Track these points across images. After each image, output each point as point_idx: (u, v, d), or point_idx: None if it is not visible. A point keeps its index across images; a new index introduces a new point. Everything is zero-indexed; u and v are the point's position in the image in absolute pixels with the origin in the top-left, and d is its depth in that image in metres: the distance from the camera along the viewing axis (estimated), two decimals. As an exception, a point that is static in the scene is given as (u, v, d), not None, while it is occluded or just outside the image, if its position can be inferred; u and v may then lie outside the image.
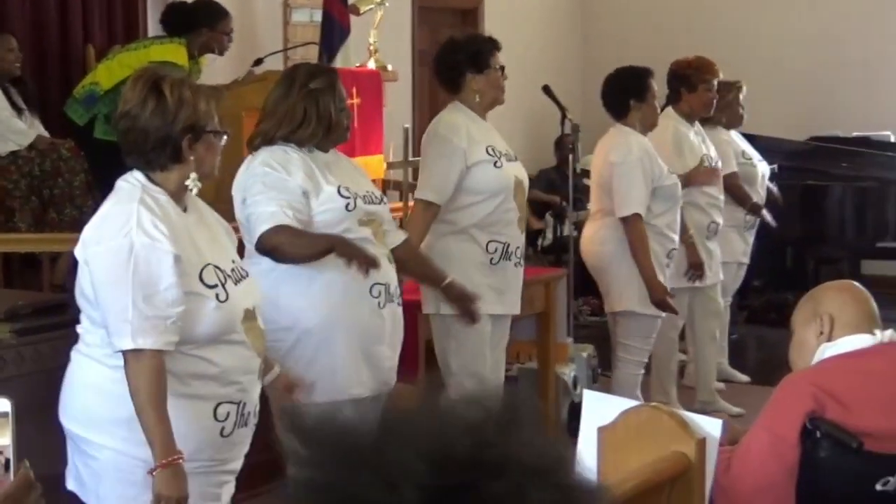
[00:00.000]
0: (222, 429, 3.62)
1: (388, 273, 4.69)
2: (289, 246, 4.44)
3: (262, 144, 4.60)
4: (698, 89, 7.18)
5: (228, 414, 3.63)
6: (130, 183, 3.61)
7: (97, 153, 6.73)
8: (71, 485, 3.72)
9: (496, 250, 5.49)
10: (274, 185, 4.48)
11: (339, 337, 4.58)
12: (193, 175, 3.62)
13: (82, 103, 7.24)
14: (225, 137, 3.70)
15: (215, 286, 3.57)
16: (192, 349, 3.56)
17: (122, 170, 3.67)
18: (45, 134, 7.05)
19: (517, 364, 6.91)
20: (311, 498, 1.32)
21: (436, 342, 5.60)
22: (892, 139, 10.86)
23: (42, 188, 6.83)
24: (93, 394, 3.63)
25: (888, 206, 10.14)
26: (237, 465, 3.79)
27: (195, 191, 3.64)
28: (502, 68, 5.58)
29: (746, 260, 7.92)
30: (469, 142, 5.43)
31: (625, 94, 6.49)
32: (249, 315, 3.68)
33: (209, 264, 3.58)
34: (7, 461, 2.36)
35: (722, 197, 7.27)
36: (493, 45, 5.63)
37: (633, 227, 6.33)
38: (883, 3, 11.40)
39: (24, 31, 7.43)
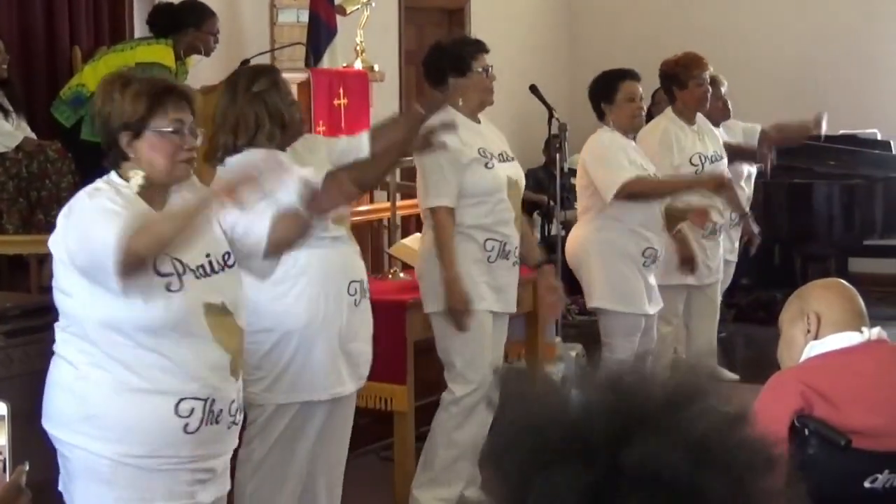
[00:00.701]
0: (186, 425, 3.57)
1: (361, 269, 4.80)
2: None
3: (225, 156, 4.56)
4: (689, 85, 7.22)
5: (192, 410, 3.57)
6: (102, 179, 3.64)
7: (84, 154, 6.71)
8: (60, 486, 3.73)
9: (493, 248, 5.54)
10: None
11: (320, 337, 4.60)
12: (136, 171, 3.58)
13: (69, 105, 7.23)
14: (193, 138, 3.63)
15: (169, 275, 3.53)
16: (145, 339, 3.52)
17: (109, 171, 3.67)
18: (32, 135, 7.03)
19: (506, 363, 6.91)
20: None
21: (438, 340, 5.63)
22: (879, 137, 10.88)
23: (29, 190, 6.82)
24: (62, 392, 3.63)
25: (875, 203, 10.15)
26: (216, 464, 3.74)
27: (135, 188, 3.57)
28: (487, 70, 5.57)
29: (733, 258, 7.94)
30: (460, 143, 5.44)
31: (596, 98, 6.58)
32: (216, 310, 3.62)
33: (166, 255, 3.53)
34: (3, 462, 2.35)
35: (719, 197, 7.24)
36: (476, 47, 5.64)
37: (634, 191, 6.35)
38: (870, 1, 11.41)
39: (11, 32, 7.42)
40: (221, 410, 3.65)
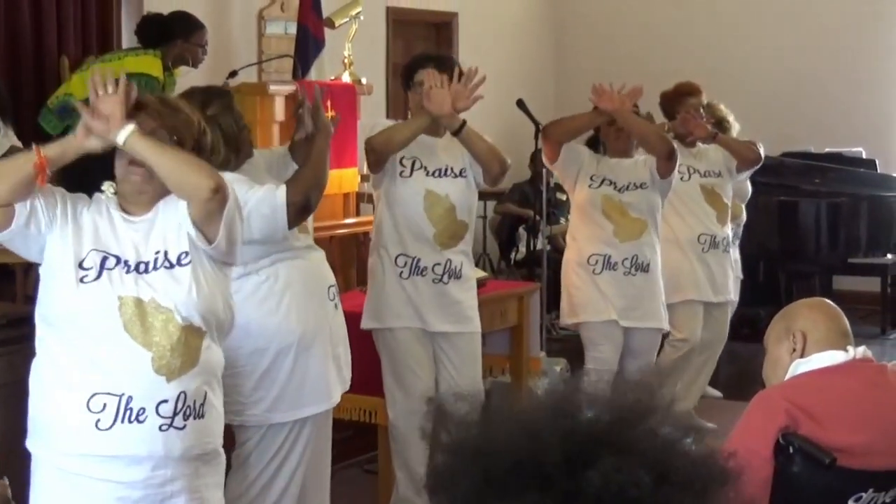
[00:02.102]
0: (97, 421, 3.44)
1: (332, 274, 4.82)
2: (313, 180, 4.53)
3: None
4: (676, 117, 7.28)
5: (105, 406, 3.44)
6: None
7: (70, 164, 6.68)
8: None
9: (405, 264, 5.45)
10: (249, 185, 4.42)
11: (315, 347, 4.60)
12: (110, 184, 3.61)
13: (56, 113, 7.22)
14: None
15: (89, 269, 3.50)
16: (54, 333, 3.50)
17: (95, 180, 3.66)
18: (19, 144, 7.01)
19: (490, 378, 6.90)
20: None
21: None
22: (864, 155, 10.92)
23: (15, 199, 6.80)
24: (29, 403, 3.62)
25: (860, 222, 10.19)
26: (134, 476, 3.51)
27: (109, 194, 3.61)
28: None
29: (740, 274, 8.00)
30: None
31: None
32: (141, 305, 3.49)
33: (96, 250, 3.52)
34: None
35: (714, 211, 7.28)
36: (421, 62, 5.61)
37: (548, 130, 6.53)
38: (855, 19, 11.46)
39: (-2, 41, 7.42)
40: (143, 409, 3.46)
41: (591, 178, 6.46)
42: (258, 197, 4.37)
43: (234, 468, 4.60)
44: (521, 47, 12.17)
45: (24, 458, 3.60)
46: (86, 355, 3.48)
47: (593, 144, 7.00)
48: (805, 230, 10.17)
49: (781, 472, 3.27)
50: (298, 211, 4.43)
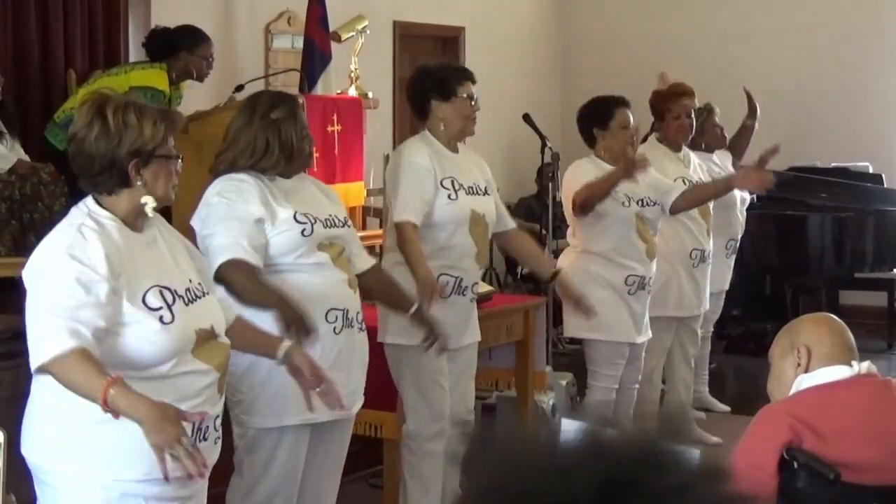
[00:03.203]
0: None
1: (346, 298, 4.66)
2: (239, 288, 4.38)
3: (225, 172, 4.60)
4: (665, 118, 7.23)
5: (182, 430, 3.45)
6: (79, 208, 3.59)
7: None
8: None
9: (448, 283, 5.40)
10: (228, 215, 4.45)
11: None
12: (148, 198, 3.56)
13: (63, 128, 7.21)
14: (180, 162, 3.64)
15: (159, 308, 3.51)
16: (138, 376, 3.46)
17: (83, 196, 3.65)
18: (26, 158, 7.03)
19: (496, 392, 6.90)
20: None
21: (392, 371, 5.55)
22: (871, 170, 10.92)
23: (22, 212, 6.81)
24: (44, 419, 3.57)
25: (866, 236, 10.18)
26: (188, 490, 3.62)
27: (151, 213, 3.58)
28: (472, 98, 5.46)
29: (725, 286, 7.95)
30: (432, 169, 5.41)
31: (588, 123, 6.52)
32: (206, 334, 3.62)
33: (154, 286, 3.52)
34: None
35: (705, 223, 7.22)
36: (462, 74, 5.56)
37: (581, 199, 6.32)
38: (861, 34, 11.46)
39: (6, 54, 7.43)
40: (208, 427, 3.62)
41: (625, 196, 6.39)
42: (213, 244, 4.44)
43: (235, 472, 4.66)
44: (528, 62, 12.18)
45: (27, 475, 3.58)
46: (163, 385, 3.50)
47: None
48: (811, 245, 10.16)
49: (786, 487, 3.27)
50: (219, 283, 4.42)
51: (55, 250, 3.49)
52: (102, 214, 3.55)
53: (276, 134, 4.56)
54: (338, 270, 4.67)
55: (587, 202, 6.28)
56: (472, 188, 5.50)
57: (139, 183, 3.54)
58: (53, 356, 3.29)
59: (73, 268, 3.40)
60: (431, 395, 5.46)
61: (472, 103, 5.47)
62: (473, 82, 5.51)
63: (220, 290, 4.27)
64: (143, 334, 3.47)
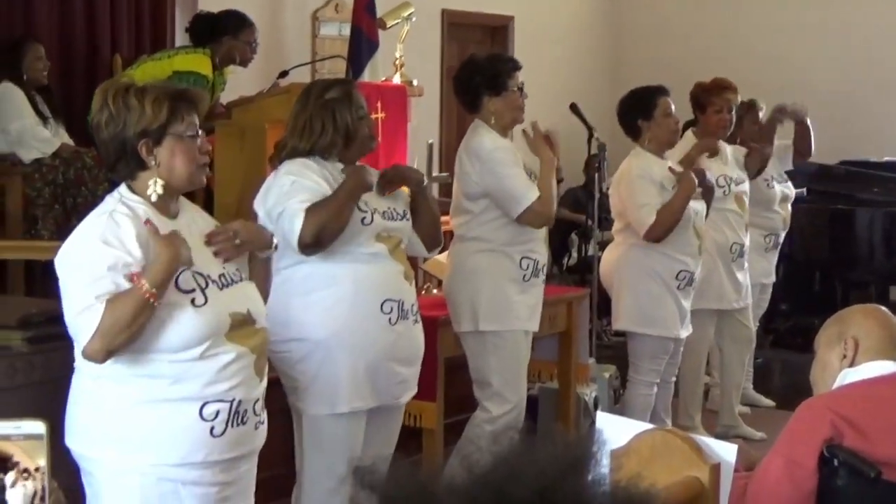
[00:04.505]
0: (212, 428, 3.52)
1: (402, 289, 4.67)
2: (326, 221, 4.41)
3: (286, 159, 4.59)
4: (706, 111, 7.11)
5: (217, 413, 3.52)
6: (112, 196, 3.58)
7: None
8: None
9: (528, 267, 5.52)
10: (297, 188, 4.48)
11: (343, 351, 4.55)
12: (155, 180, 3.51)
13: (107, 112, 7.24)
14: (203, 141, 3.59)
15: (192, 291, 3.49)
16: (171, 358, 3.48)
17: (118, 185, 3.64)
18: (70, 142, 7.05)
19: (538, 383, 6.85)
20: None
21: (472, 360, 5.60)
22: (924, 165, 10.79)
23: (66, 196, 6.83)
24: (86, 407, 3.57)
25: (918, 231, 10.05)
26: (234, 475, 3.64)
27: (154, 197, 3.52)
28: (521, 88, 5.56)
29: (770, 280, 7.85)
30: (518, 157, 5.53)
31: (633, 114, 6.44)
32: (242, 319, 3.60)
33: (187, 270, 3.49)
34: (43, 489, 2.32)
35: (745, 218, 7.16)
36: (512, 65, 5.62)
37: (656, 235, 6.24)
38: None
39: (52, 39, 7.45)
40: (246, 411, 3.59)
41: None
42: (287, 212, 4.45)
43: (297, 457, 4.75)
44: (577, 51, 12.12)
45: (64, 461, 3.56)
46: (196, 368, 3.51)
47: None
48: (861, 239, 10.04)
49: (826, 485, 3.20)
50: (308, 248, 4.46)
51: (89, 239, 3.48)
52: (134, 199, 3.53)
53: (331, 115, 4.59)
54: (394, 262, 4.67)
55: (670, 230, 6.24)
56: (531, 173, 5.59)
57: (153, 163, 3.51)
58: (92, 332, 3.34)
59: (107, 254, 3.40)
60: (517, 381, 5.58)
61: (522, 93, 5.56)
62: (520, 69, 5.56)
63: (277, 276, 4.28)
64: (175, 316, 3.46)
